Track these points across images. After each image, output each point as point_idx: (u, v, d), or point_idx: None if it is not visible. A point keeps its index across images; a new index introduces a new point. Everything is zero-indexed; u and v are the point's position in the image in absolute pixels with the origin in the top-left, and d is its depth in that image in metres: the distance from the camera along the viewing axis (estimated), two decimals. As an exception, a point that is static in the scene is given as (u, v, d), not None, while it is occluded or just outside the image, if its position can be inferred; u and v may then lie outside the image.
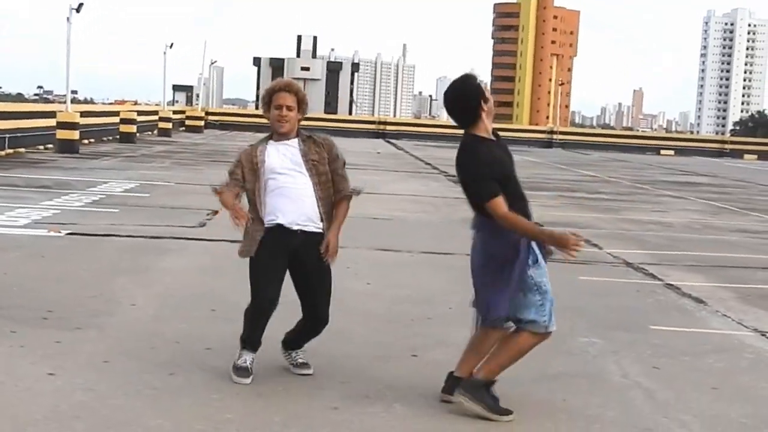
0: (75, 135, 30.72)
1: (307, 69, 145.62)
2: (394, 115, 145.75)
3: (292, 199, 6.26)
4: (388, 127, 67.53)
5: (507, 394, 6.28)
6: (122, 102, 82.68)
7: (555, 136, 69.95)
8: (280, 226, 6.26)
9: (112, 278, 9.56)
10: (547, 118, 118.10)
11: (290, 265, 6.38)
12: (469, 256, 6.05)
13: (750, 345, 8.26)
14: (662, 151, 67.64)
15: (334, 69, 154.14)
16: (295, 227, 6.26)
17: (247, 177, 6.34)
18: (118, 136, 39.87)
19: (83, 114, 34.95)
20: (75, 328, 7.46)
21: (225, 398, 5.95)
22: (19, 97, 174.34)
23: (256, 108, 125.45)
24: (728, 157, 67.06)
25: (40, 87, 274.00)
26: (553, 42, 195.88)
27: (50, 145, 31.01)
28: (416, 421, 5.73)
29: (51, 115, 32.01)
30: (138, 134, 42.07)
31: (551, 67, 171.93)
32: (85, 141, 34.95)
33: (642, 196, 25.64)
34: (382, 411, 5.88)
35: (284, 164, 6.27)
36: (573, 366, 7.16)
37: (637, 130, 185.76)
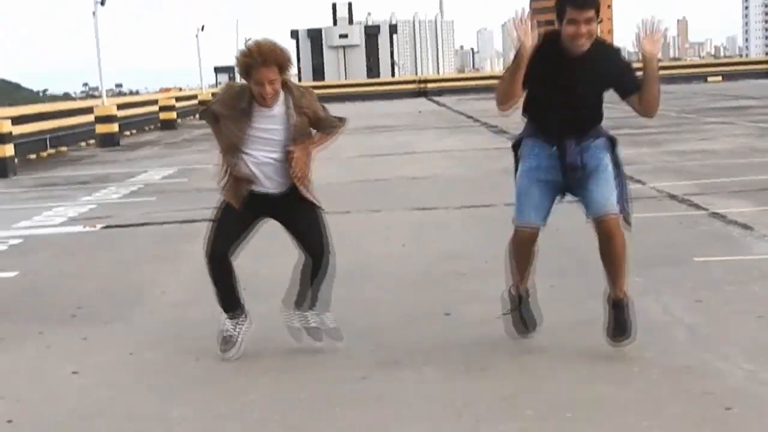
0: (114, 128, 30.73)
1: (345, 36, 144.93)
2: (438, 73, 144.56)
3: (267, 175, 6.03)
4: (430, 85, 66.91)
5: (541, 343, 6.11)
6: (167, 90, 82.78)
7: (599, 75, 68.85)
8: (252, 193, 6.03)
9: (143, 267, 9.45)
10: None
11: (280, 222, 6.24)
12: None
13: (799, 267, 7.95)
14: (709, 78, 66.45)
15: (372, 33, 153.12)
16: (266, 192, 6.07)
17: (227, 125, 5.99)
18: (159, 125, 39.93)
19: (121, 106, 35.00)
20: (103, 323, 7.35)
21: (250, 380, 5.81)
22: (66, 97, 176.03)
23: (299, 81, 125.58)
24: (779, 77, 65.72)
25: (85, 84, 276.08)
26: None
27: (92, 141, 31.10)
28: (447, 384, 5.54)
29: (89, 111, 32.06)
30: (179, 120, 42.07)
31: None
32: (126, 132, 35.03)
33: (688, 125, 25.09)
34: (410, 376, 5.69)
35: (266, 145, 5.97)
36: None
37: (685, 60, 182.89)
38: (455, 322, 6.86)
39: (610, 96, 5.95)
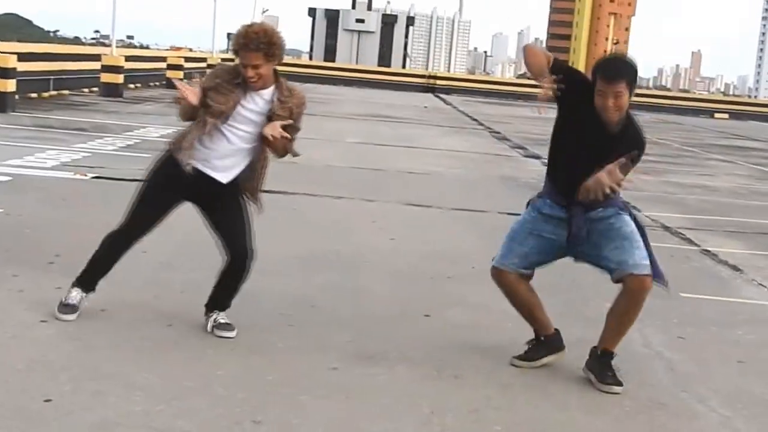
0: (119, 79, 30.54)
1: (362, 21, 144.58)
2: (448, 71, 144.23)
3: (224, 155, 5.86)
4: (439, 82, 66.67)
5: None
6: (177, 49, 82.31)
7: (608, 96, 68.73)
8: (195, 169, 5.85)
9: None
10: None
11: (202, 210, 6.07)
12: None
13: (785, 317, 7.86)
14: (716, 114, 66.36)
15: (389, 22, 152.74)
16: (212, 174, 5.88)
17: (214, 97, 5.79)
18: (164, 82, 39.68)
19: (130, 58, 34.77)
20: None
21: (219, 353, 5.69)
22: (76, 41, 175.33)
23: (310, 59, 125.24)
24: (785, 123, 65.76)
25: (97, 31, 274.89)
26: (611, 0, 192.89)
27: (95, 89, 30.89)
28: (416, 384, 5.44)
29: (97, 58, 31.85)
30: (186, 80, 41.78)
31: (608, 26, 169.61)
32: (132, 86, 34.82)
33: (689, 158, 25.02)
34: (383, 372, 5.58)
35: (242, 124, 5.80)
36: (594, 332, 6.65)
37: (694, 93, 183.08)
38: (435, 324, 6.75)
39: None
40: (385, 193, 13.20)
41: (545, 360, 5.90)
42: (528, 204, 5.91)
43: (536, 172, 16.23)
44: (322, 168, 15.64)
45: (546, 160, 6.03)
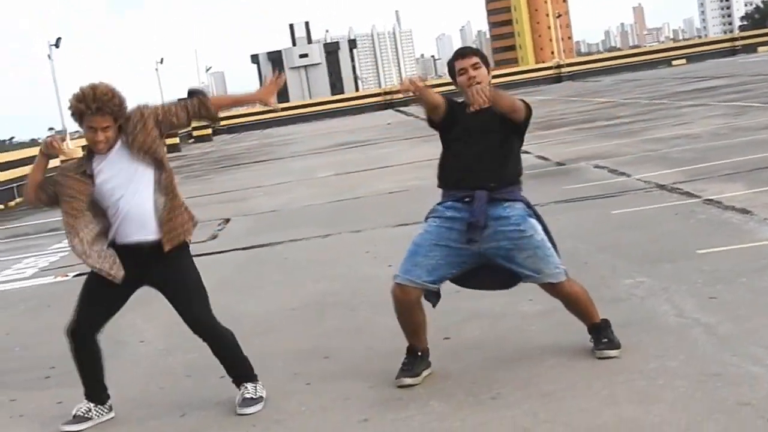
0: (82, 170, 30.15)
1: (306, 56, 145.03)
2: (400, 83, 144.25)
3: (134, 220, 5.47)
4: (395, 96, 66.53)
5: (550, 361, 5.65)
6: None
7: (562, 70, 68.74)
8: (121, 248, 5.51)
9: (118, 315, 8.90)
10: (552, 53, 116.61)
11: (156, 287, 5.71)
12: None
13: (810, 249, 7.53)
14: (674, 62, 66.44)
15: (332, 50, 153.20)
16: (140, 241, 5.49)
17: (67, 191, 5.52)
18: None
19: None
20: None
21: (241, 433, 5.30)
22: (33, 143, 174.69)
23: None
24: (742, 54, 65.75)
25: (51, 128, 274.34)
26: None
27: (60, 186, 30.46)
28: (455, 417, 5.06)
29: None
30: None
31: (546, 2, 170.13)
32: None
33: (662, 111, 24.79)
34: (416, 413, 5.20)
35: (120, 189, 5.42)
36: (621, 314, 6.42)
37: (645, 46, 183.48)
38: (456, 345, 6.40)
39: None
40: (370, 219, 12.85)
41: (425, 373, 5.74)
42: (426, 218, 5.82)
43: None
44: (301, 209, 15.30)
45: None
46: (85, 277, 5.83)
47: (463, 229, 5.55)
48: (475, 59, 5.64)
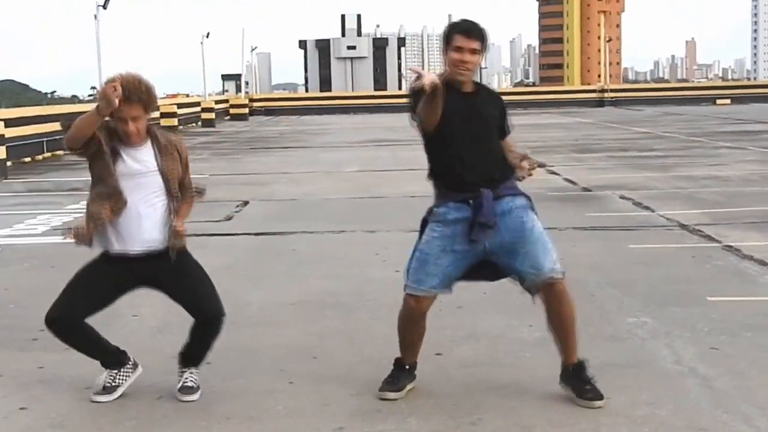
0: (112, 133, 30.15)
1: (353, 48, 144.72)
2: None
3: (139, 224, 5.48)
4: (436, 99, 66.45)
5: (539, 392, 5.50)
6: (174, 96, 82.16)
7: (606, 95, 68.34)
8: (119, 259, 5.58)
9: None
10: (599, 77, 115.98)
11: (162, 289, 5.71)
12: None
13: (822, 312, 7.32)
14: (718, 101, 65.90)
15: (380, 45, 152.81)
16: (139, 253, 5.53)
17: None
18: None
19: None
20: (63, 349, 6.65)
21: (213, 425, 5.19)
22: (73, 99, 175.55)
23: (306, 91, 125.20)
24: (788, 101, 65.21)
25: (93, 87, 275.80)
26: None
27: (90, 145, 30.48)
28: (432, 439, 4.93)
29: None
30: (181, 127, 41.60)
31: (599, 25, 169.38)
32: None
33: (697, 149, 24.51)
34: (392, 428, 5.07)
35: (139, 191, 5.44)
36: (619, 354, 6.29)
37: (692, 82, 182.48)
38: (446, 362, 6.26)
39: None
40: (388, 221, 12.72)
41: (409, 386, 5.63)
42: (424, 223, 5.58)
43: (542, 182, 15.75)
44: (320, 202, 15.19)
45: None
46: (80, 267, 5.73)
47: (467, 230, 5.37)
48: (477, 44, 5.38)
